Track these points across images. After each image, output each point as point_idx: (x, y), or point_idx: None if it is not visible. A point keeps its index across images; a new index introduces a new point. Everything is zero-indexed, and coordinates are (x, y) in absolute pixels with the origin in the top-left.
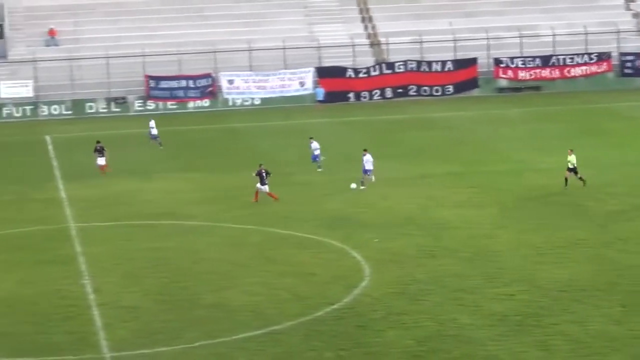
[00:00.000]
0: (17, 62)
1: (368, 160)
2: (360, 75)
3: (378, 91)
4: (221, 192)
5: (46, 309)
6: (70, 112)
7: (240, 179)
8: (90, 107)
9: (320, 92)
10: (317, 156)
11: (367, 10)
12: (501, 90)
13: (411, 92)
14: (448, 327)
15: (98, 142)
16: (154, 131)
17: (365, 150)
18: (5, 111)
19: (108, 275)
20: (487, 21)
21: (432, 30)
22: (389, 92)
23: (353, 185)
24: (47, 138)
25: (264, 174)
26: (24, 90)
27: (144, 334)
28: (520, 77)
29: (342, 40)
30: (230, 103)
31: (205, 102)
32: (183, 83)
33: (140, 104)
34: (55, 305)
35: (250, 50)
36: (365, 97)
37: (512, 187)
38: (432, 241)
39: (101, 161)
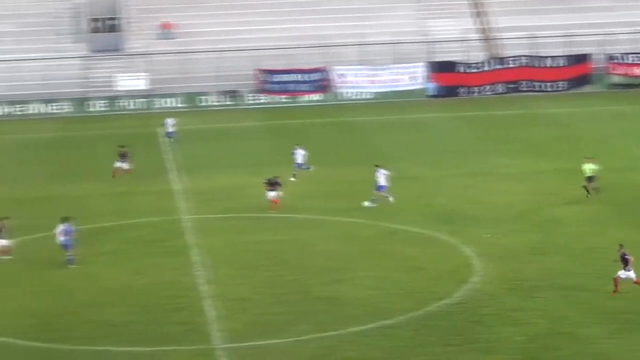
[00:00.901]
0: (132, 55)
1: (382, 175)
2: (472, 70)
3: (489, 86)
4: (333, 186)
5: (158, 299)
6: (183, 105)
7: (352, 173)
8: (204, 100)
9: (432, 87)
10: (300, 164)
11: (479, 5)
12: (614, 86)
13: (523, 88)
14: (559, 325)
15: (121, 146)
16: (171, 129)
17: (377, 165)
18: (120, 103)
19: (220, 267)
20: (600, 17)
21: (545, 26)
22: (500, 88)
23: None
24: (161, 130)
25: (274, 183)
26: (139, 82)
27: (254, 326)
28: (633, 74)
29: (454, 35)
30: (343, 97)
31: (318, 96)
32: (295, 77)
33: (252, 98)
34: (167, 296)
35: (361, 44)
36: (476, 92)
37: (625, 183)
38: (543, 237)
39: (121, 165)
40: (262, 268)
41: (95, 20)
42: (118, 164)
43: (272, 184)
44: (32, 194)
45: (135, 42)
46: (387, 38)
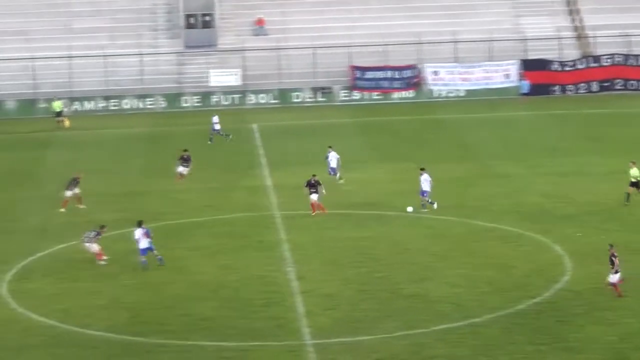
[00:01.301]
0: (226, 51)
1: (425, 180)
2: (566, 68)
3: (584, 84)
4: None
5: (249, 294)
6: (276, 101)
7: (443, 170)
8: (296, 97)
9: (525, 85)
10: (334, 169)
11: (572, 2)
12: None
13: (618, 86)
14: None
15: (185, 150)
16: (217, 126)
17: (422, 169)
18: (214, 99)
19: (310, 263)
20: None
21: (637, 24)
22: (594, 86)
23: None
24: (254, 126)
25: (314, 184)
26: (233, 78)
27: (343, 322)
28: None
29: (548, 33)
30: (435, 94)
31: (410, 93)
32: (388, 74)
33: (345, 94)
34: (257, 291)
35: (455, 41)
36: (570, 91)
37: None
38: (636, 237)
39: (182, 170)
40: (351, 264)
41: (190, 16)
42: (180, 169)
43: (313, 185)
44: (126, 188)
45: (229, 38)
46: (481, 36)
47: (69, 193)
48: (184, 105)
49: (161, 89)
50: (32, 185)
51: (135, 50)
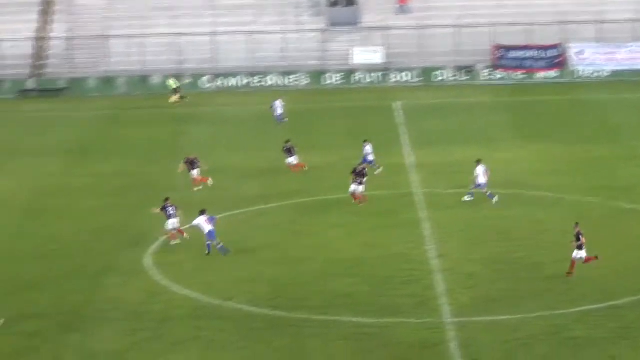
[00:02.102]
0: (369, 29)
1: (480, 171)
2: None
3: None
4: (567, 164)
5: (388, 272)
6: (419, 80)
7: (586, 150)
8: (439, 75)
9: None
10: (372, 161)
11: None
12: None
13: None
14: None
15: (287, 141)
16: (279, 111)
17: (478, 160)
18: (356, 77)
19: (451, 242)
20: None
21: None
22: None
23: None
24: (395, 104)
25: (360, 172)
26: (375, 56)
27: (483, 301)
28: None
29: None
30: (579, 74)
31: (554, 73)
32: (532, 53)
33: (487, 73)
34: (397, 269)
35: (600, 21)
36: None
37: None
38: None
39: (292, 160)
40: (492, 244)
41: None
42: (289, 160)
43: (359, 174)
44: (267, 164)
45: (372, 17)
46: (628, 16)
47: (194, 173)
48: (327, 82)
49: (304, 66)
50: (176, 159)
51: (279, 28)
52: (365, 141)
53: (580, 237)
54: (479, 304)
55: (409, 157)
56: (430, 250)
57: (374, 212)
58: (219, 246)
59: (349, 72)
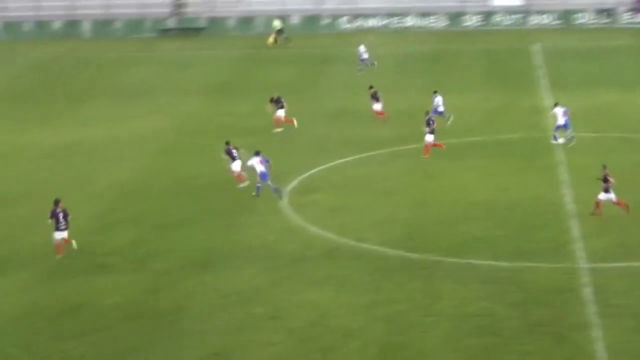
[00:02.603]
0: None
1: (559, 113)
2: None
3: None
4: None
5: (522, 216)
6: (559, 22)
7: None
8: (579, 18)
9: None
10: (442, 112)
11: None
12: None
13: None
14: None
15: (371, 87)
16: (365, 55)
17: (555, 104)
18: (495, 19)
19: (587, 186)
20: None
21: None
22: None
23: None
24: (535, 47)
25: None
26: None
27: (619, 247)
28: None
29: None
30: None
31: None
32: None
33: (628, 17)
34: (531, 213)
35: None
36: None
37: None
38: None
39: (377, 107)
40: (630, 189)
41: None
42: (375, 106)
43: (429, 124)
44: (406, 105)
45: None
46: None
47: (280, 113)
48: (466, 24)
49: (444, 7)
50: (314, 99)
51: None
52: (435, 92)
53: (609, 178)
54: (615, 250)
55: (548, 99)
56: (566, 194)
57: (512, 155)
58: (273, 187)
59: (488, 14)
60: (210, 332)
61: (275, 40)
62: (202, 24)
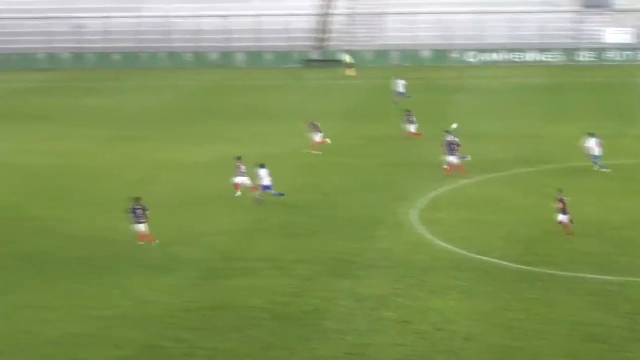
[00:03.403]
0: (620, 11)
1: (592, 144)
2: None
3: None
4: None
5: (631, 235)
6: None
7: None
8: None
9: None
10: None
11: None
12: None
13: None
14: None
15: (408, 111)
16: (400, 89)
17: (589, 133)
18: (607, 55)
19: None
20: None
21: None
22: None
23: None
24: None
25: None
26: (625, 36)
27: None
28: None
29: None
30: None
31: None
32: None
33: None
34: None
35: None
36: None
37: None
38: None
39: (412, 128)
40: None
41: None
42: (410, 128)
43: (452, 146)
44: (524, 131)
45: (624, 0)
46: None
47: (317, 137)
48: (580, 59)
49: (559, 44)
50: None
51: (538, 9)
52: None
53: (563, 200)
54: None
55: None
56: None
57: (622, 178)
58: (275, 193)
59: (601, 50)
60: (346, 333)
61: (350, 72)
62: (340, 56)
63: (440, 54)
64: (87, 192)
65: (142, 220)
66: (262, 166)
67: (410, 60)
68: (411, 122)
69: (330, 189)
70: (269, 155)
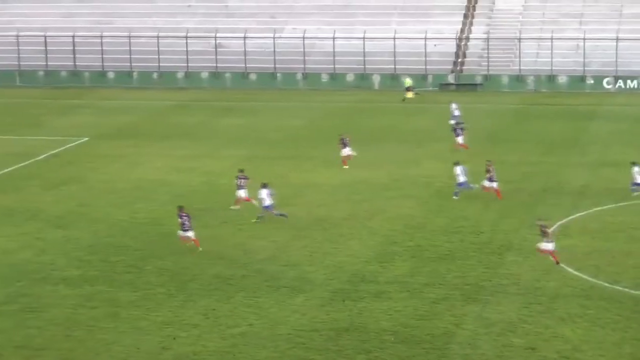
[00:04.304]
0: None
1: (637, 173)
2: None
3: None
4: None
5: None
6: None
7: None
8: None
9: None
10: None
11: None
12: None
13: None
14: None
15: (457, 123)
16: (456, 112)
17: (633, 163)
18: None
19: None
20: None
21: None
22: None
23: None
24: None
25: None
26: None
27: None
28: None
29: None
30: None
31: None
32: None
33: None
34: None
35: None
36: None
37: None
38: None
39: (460, 140)
40: None
41: None
42: (458, 139)
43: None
44: None
45: None
46: None
47: (345, 151)
48: None
49: None
50: (577, 151)
51: None
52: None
53: (545, 230)
54: None
55: None
56: None
57: None
58: (277, 213)
59: None
60: (472, 358)
61: (409, 95)
62: (478, 80)
63: (577, 80)
64: (226, 210)
65: (187, 228)
66: (264, 186)
67: (546, 86)
68: (458, 134)
69: (463, 214)
70: (402, 177)
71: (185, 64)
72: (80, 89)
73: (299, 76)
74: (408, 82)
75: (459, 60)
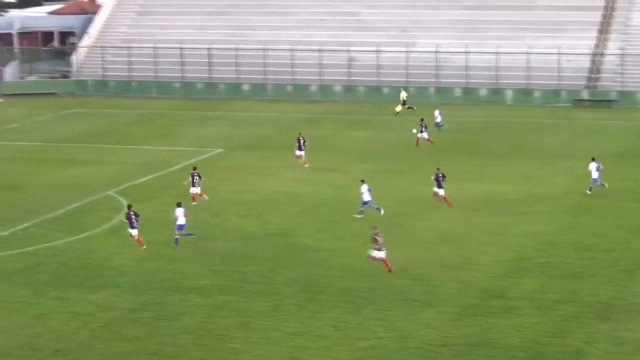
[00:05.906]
0: None
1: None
2: None
3: None
4: None
5: None
6: None
7: None
8: None
9: None
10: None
11: None
12: None
13: None
14: None
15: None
16: (439, 119)
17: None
18: None
19: None
20: None
21: None
22: None
23: None
24: None
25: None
26: None
27: None
28: None
29: None
30: None
31: None
32: None
33: None
34: None
35: None
36: None
37: None
38: None
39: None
40: None
41: None
42: (419, 134)
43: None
44: None
45: None
46: None
47: (298, 152)
48: None
49: None
50: None
51: None
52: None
53: (377, 237)
54: None
55: None
56: None
57: None
58: (185, 233)
59: None
60: None
61: (398, 109)
62: (613, 96)
63: None
64: (354, 223)
65: (135, 226)
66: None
67: None
68: (421, 130)
69: (597, 231)
70: (536, 194)
71: (319, 77)
72: (215, 100)
73: (431, 90)
74: (403, 95)
75: (594, 75)
